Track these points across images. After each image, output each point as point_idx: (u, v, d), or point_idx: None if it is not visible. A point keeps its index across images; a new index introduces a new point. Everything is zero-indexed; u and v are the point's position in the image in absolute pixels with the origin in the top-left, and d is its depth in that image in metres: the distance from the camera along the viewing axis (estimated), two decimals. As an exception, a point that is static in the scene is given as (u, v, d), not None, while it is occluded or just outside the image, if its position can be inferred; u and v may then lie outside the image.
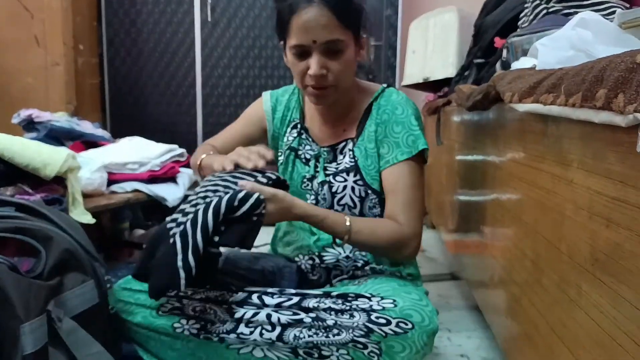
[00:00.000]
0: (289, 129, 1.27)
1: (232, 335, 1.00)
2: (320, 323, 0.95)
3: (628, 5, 1.20)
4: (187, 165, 2.18)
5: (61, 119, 2.04)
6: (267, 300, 1.01)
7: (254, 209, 0.93)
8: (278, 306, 0.99)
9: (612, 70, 0.54)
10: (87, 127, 2.14)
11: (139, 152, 1.99)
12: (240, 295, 1.04)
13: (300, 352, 0.97)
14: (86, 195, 1.62)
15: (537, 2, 1.31)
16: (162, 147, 2.06)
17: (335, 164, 1.20)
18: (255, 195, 0.93)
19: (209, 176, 1.08)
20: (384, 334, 0.91)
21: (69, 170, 1.45)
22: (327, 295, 0.99)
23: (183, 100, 3.24)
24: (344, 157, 1.19)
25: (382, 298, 0.95)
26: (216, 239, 0.92)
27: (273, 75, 3.13)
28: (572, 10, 1.20)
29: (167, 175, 2.00)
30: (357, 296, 0.97)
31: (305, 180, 1.22)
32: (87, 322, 0.94)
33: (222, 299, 1.04)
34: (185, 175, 2.11)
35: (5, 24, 2.80)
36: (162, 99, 3.26)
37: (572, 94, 0.63)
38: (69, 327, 0.90)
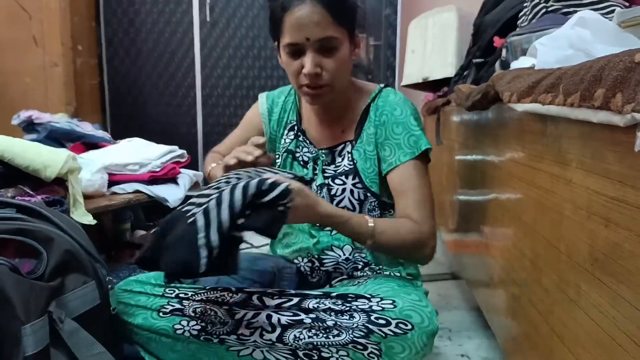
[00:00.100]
0: (285, 131, 1.27)
1: (233, 337, 1.00)
2: (320, 324, 0.95)
3: (627, 4, 1.20)
4: (188, 166, 2.18)
5: (61, 120, 2.04)
6: (267, 301, 1.01)
7: (282, 199, 0.86)
8: (278, 307, 0.99)
9: (610, 70, 0.54)
10: (87, 128, 2.14)
11: (139, 153, 1.99)
12: (241, 296, 1.04)
13: (300, 353, 0.97)
14: (87, 197, 1.62)
15: (536, 1, 1.31)
16: (163, 148, 2.07)
17: (333, 166, 1.19)
18: (285, 184, 0.87)
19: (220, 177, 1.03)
20: (383, 335, 0.90)
21: (70, 172, 1.45)
22: (326, 296, 0.99)
23: (182, 101, 3.24)
24: (343, 159, 1.18)
25: (382, 299, 0.95)
26: (241, 221, 0.85)
27: (272, 76, 3.13)
28: (571, 9, 1.20)
29: (167, 176, 2.00)
30: (357, 297, 0.97)
31: None
32: (88, 323, 0.94)
33: (222, 300, 1.04)
34: (185, 176, 2.11)
35: (3, 24, 2.80)
36: (162, 99, 3.26)
37: (571, 94, 0.63)
38: (71, 328, 0.90)
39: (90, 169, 1.71)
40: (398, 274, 1.17)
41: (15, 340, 0.81)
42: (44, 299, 0.87)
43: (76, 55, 3.01)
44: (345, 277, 1.19)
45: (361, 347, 0.92)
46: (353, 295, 0.97)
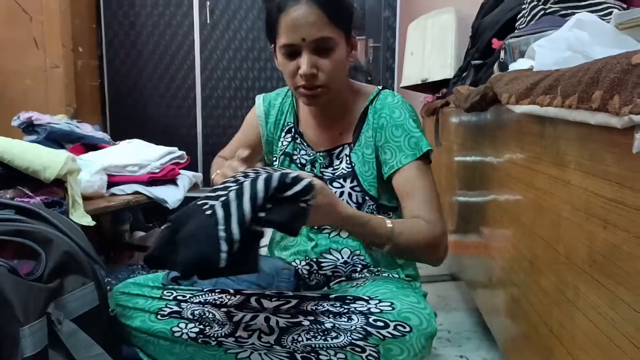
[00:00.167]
0: (283, 134, 1.26)
1: (231, 339, 1.00)
2: (318, 326, 0.95)
3: (625, 6, 1.20)
4: (187, 167, 2.18)
5: (61, 121, 2.04)
6: (266, 303, 1.01)
7: (304, 194, 0.81)
8: (276, 309, 0.99)
9: (607, 72, 0.55)
10: (87, 129, 2.14)
11: (138, 154, 1.99)
12: (239, 298, 1.04)
13: (298, 356, 0.96)
14: (86, 198, 1.62)
15: (535, 3, 1.31)
16: (162, 149, 2.07)
17: (331, 169, 1.18)
18: (307, 180, 0.82)
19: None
20: (381, 337, 0.90)
21: (69, 173, 1.45)
22: (325, 298, 0.99)
23: (183, 103, 3.24)
24: (341, 162, 1.17)
25: (380, 301, 0.94)
26: (262, 215, 0.80)
27: (272, 77, 3.14)
28: (569, 11, 1.20)
29: (167, 177, 2.00)
30: (355, 299, 0.96)
31: None
32: (87, 325, 0.94)
33: (220, 302, 1.04)
34: (185, 177, 2.11)
35: (4, 26, 2.81)
36: (162, 101, 3.26)
37: (569, 96, 0.63)
38: (69, 330, 0.90)
39: (89, 170, 1.71)
40: (396, 276, 1.16)
41: (14, 341, 0.81)
42: (42, 300, 0.87)
43: (77, 56, 3.01)
44: (343, 278, 1.18)
45: (359, 350, 0.92)
46: (351, 298, 0.97)
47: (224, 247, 0.76)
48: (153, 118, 3.26)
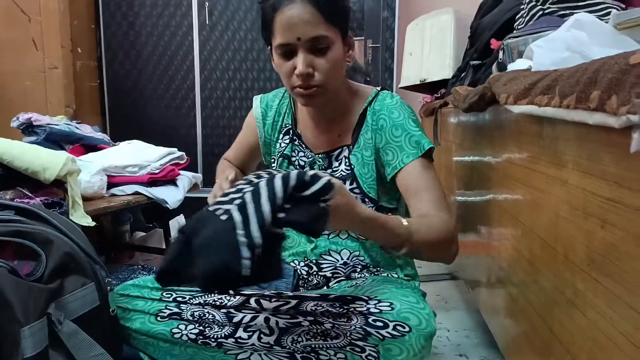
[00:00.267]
0: (281, 135, 1.24)
1: (231, 340, 1.00)
2: (317, 327, 0.95)
3: (624, 6, 1.20)
4: (187, 168, 2.19)
5: (60, 122, 2.04)
6: (265, 304, 1.01)
7: (323, 193, 0.75)
8: (276, 310, 0.99)
9: (605, 72, 0.55)
10: (86, 130, 2.15)
11: (138, 155, 1.99)
12: (238, 299, 1.04)
13: (298, 357, 0.96)
14: (86, 198, 1.62)
15: (533, 3, 1.32)
16: (162, 150, 2.07)
17: (330, 171, 1.17)
18: (326, 178, 0.76)
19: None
20: (381, 337, 0.90)
21: (69, 174, 1.45)
22: (324, 298, 0.98)
23: (182, 103, 3.24)
24: (340, 164, 1.16)
25: (379, 301, 0.94)
26: (281, 215, 0.73)
27: (271, 78, 3.14)
28: (567, 12, 1.20)
29: (167, 178, 2.01)
30: (355, 299, 0.96)
31: None
32: (87, 325, 0.94)
33: (220, 303, 1.04)
34: (185, 178, 2.12)
35: (2, 26, 2.81)
36: (161, 101, 3.26)
37: (567, 96, 0.63)
38: (70, 330, 0.90)
39: (89, 171, 1.71)
40: (395, 276, 1.16)
41: (14, 342, 0.81)
42: (42, 300, 0.87)
43: (76, 57, 3.01)
44: (343, 278, 1.18)
45: (359, 350, 0.92)
46: (350, 298, 0.97)
47: (245, 253, 0.70)
48: (152, 119, 3.26)
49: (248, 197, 0.75)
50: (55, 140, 1.97)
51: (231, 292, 1.05)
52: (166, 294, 1.10)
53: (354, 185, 1.14)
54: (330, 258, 1.17)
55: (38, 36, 2.82)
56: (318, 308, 0.96)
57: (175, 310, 1.06)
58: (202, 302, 1.05)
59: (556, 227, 0.76)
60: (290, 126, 1.23)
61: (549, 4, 1.26)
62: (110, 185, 1.83)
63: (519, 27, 1.40)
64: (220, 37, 3.14)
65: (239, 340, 0.99)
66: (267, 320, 0.98)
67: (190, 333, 1.03)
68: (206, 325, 1.03)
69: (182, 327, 1.04)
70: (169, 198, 1.93)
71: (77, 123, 2.16)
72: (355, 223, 0.85)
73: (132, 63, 3.25)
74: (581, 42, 0.80)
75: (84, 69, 3.14)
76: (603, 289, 0.61)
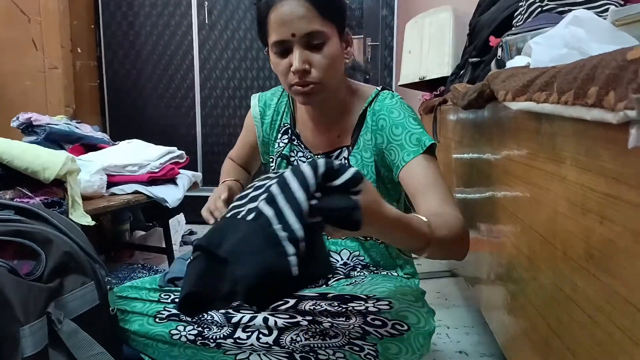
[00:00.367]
0: (279, 135, 1.23)
1: (229, 341, 1.00)
2: (316, 326, 0.94)
3: (622, 3, 1.20)
4: (187, 167, 2.19)
5: (60, 122, 2.05)
6: None
7: (352, 185, 0.66)
8: (274, 309, 0.99)
9: (603, 68, 0.55)
10: (86, 130, 2.15)
11: (138, 154, 2.00)
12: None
13: (297, 356, 0.96)
14: (86, 198, 1.62)
15: (531, 0, 1.32)
16: (161, 149, 2.07)
17: None
18: (355, 169, 0.66)
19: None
20: (379, 336, 0.90)
21: (68, 173, 1.45)
22: (323, 297, 0.98)
23: (182, 103, 3.25)
24: None
25: (378, 300, 0.94)
26: (314, 202, 0.63)
27: (270, 77, 3.14)
28: (566, 8, 1.20)
29: (166, 177, 2.01)
30: (353, 298, 0.95)
31: None
32: (87, 324, 0.95)
33: None
34: (184, 177, 2.12)
35: (2, 27, 2.81)
36: (161, 101, 3.26)
37: (565, 92, 0.63)
38: (70, 329, 0.90)
39: (89, 170, 1.72)
40: (395, 274, 1.16)
41: (14, 341, 0.81)
42: (42, 300, 0.88)
43: (75, 57, 3.01)
44: (342, 277, 1.18)
45: (358, 349, 0.92)
46: (349, 297, 0.96)
47: (290, 249, 0.60)
48: (152, 118, 3.26)
49: (275, 189, 0.64)
50: (55, 139, 1.98)
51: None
52: (164, 295, 1.09)
53: None
54: (330, 258, 1.16)
55: (38, 36, 2.83)
56: (316, 307, 0.96)
57: (174, 311, 1.06)
58: None
59: (555, 224, 0.76)
60: (289, 125, 1.22)
61: (547, 1, 1.26)
62: (110, 184, 1.84)
63: (517, 24, 1.40)
64: (220, 37, 3.14)
65: (237, 340, 0.99)
66: (265, 320, 0.98)
67: (189, 334, 1.03)
68: (205, 326, 1.03)
69: (181, 328, 1.04)
70: (169, 197, 1.93)
71: (76, 123, 2.17)
72: (382, 223, 0.72)
73: (132, 63, 3.25)
74: (579, 38, 0.80)
75: (84, 69, 3.14)
76: (602, 284, 0.61)
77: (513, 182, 1.00)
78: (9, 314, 0.81)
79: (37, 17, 2.80)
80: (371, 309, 0.92)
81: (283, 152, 1.21)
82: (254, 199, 0.67)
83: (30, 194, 1.39)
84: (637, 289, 0.53)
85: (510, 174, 1.02)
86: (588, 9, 1.09)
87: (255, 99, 1.27)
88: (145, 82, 3.26)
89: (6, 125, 2.04)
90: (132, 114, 3.27)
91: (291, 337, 0.96)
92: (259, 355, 0.99)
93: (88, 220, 1.46)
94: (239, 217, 0.66)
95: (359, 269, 1.16)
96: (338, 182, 0.65)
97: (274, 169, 1.22)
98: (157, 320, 1.06)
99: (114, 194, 1.83)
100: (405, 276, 1.16)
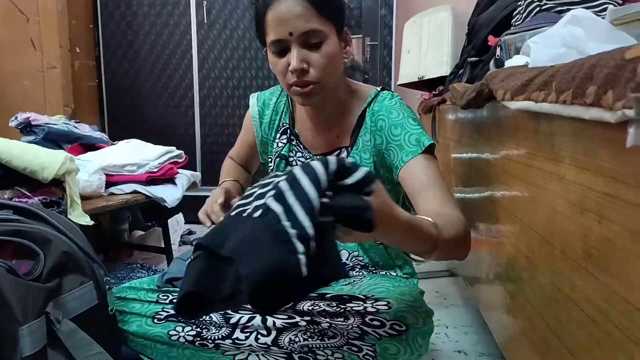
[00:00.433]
0: (278, 135, 1.22)
1: (228, 341, 1.00)
2: (314, 326, 0.94)
3: (621, 2, 1.20)
4: (186, 167, 2.19)
5: (59, 121, 2.04)
6: None
7: (364, 185, 0.62)
8: None
9: (601, 67, 0.55)
10: (85, 129, 2.15)
11: (137, 153, 1.99)
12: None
13: (296, 357, 0.96)
14: (85, 198, 1.62)
15: None
16: (160, 148, 2.07)
17: None
18: (366, 169, 0.63)
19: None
20: (378, 337, 0.89)
21: (67, 173, 1.45)
22: (321, 297, 0.97)
23: (180, 102, 3.24)
24: None
25: (376, 300, 0.93)
26: (325, 200, 0.59)
27: (269, 76, 3.14)
28: (564, 8, 1.20)
29: (165, 177, 2.01)
30: (351, 298, 0.95)
31: None
32: (86, 324, 0.94)
33: None
34: (183, 177, 2.12)
35: (1, 27, 2.81)
36: (160, 100, 3.26)
37: (563, 91, 0.63)
38: (68, 329, 0.90)
39: (87, 170, 1.71)
40: (394, 274, 1.16)
41: (13, 341, 0.81)
42: (41, 300, 0.88)
43: (74, 57, 3.01)
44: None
45: (356, 349, 0.92)
46: (347, 297, 0.96)
47: (299, 246, 0.56)
48: (151, 118, 3.26)
49: (284, 185, 0.60)
50: (53, 139, 1.98)
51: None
52: (162, 295, 1.09)
53: None
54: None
55: (36, 36, 2.82)
56: (315, 307, 0.96)
57: (172, 312, 1.05)
58: None
59: (553, 223, 0.76)
60: (287, 125, 1.21)
61: (546, 0, 1.26)
62: (109, 184, 1.84)
63: (516, 23, 1.40)
64: (218, 36, 3.13)
65: (236, 341, 0.99)
66: (264, 320, 0.98)
67: (188, 335, 1.03)
68: (203, 326, 1.03)
69: (179, 329, 1.04)
70: (168, 197, 1.93)
71: (75, 122, 2.16)
72: (393, 226, 0.70)
73: (131, 62, 3.25)
74: (578, 38, 0.80)
75: (83, 69, 3.14)
76: (600, 284, 0.61)
77: (512, 181, 1.00)
78: (7, 314, 0.81)
79: (36, 16, 2.80)
80: (370, 309, 0.92)
81: (282, 153, 1.20)
82: (261, 196, 0.64)
83: (28, 194, 1.39)
84: (636, 288, 0.53)
85: (509, 174, 1.02)
86: (586, 8, 1.10)
87: (254, 98, 1.26)
88: (144, 81, 3.26)
89: (5, 125, 2.04)
90: (130, 113, 3.27)
91: (290, 338, 0.96)
92: (257, 355, 0.99)
93: (87, 220, 1.45)
94: (244, 215, 0.63)
95: (357, 269, 1.16)
96: (350, 180, 0.62)
97: (272, 169, 1.21)
98: (155, 321, 1.06)
99: (112, 194, 1.83)
100: (404, 276, 1.16)
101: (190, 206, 2.00)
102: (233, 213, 0.66)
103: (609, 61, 0.54)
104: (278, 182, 0.63)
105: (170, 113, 3.26)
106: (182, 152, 2.16)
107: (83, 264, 0.99)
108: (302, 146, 1.19)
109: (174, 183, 2.05)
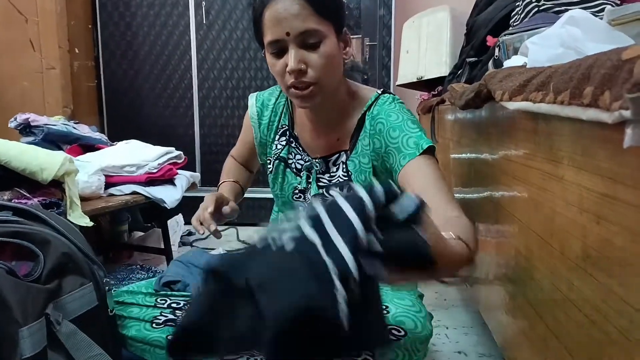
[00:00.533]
0: (277, 136, 1.20)
1: None
2: None
3: (618, 2, 1.20)
4: (185, 167, 2.19)
5: (58, 122, 2.05)
6: None
7: (415, 217, 0.52)
8: None
9: (598, 68, 0.55)
10: (84, 130, 2.15)
11: (136, 154, 2.00)
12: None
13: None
14: (84, 199, 1.62)
15: (528, 0, 1.32)
16: (159, 149, 2.07)
17: (328, 175, 1.13)
18: (417, 197, 0.53)
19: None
20: None
21: (66, 174, 1.45)
22: None
23: (179, 103, 3.24)
24: (337, 169, 1.12)
25: None
26: (372, 234, 0.49)
27: (269, 77, 3.13)
28: (562, 8, 1.21)
29: (164, 178, 2.01)
30: None
31: (296, 191, 1.16)
32: (86, 325, 0.94)
33: None
34: (182, 177, 2.12)
35: None
36: (159, 101, 3.26)
37: (561, 92, 0.63)
38: (68, 330, 0.90)
39: (87, 171, 1.72)
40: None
41: (13, 342, 0.81)
42: (41, 301, 0.87)
43: (73, 58, 3.01)
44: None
45: (355, 354, 0.91)
46: None
47: (337, 284, 0.45)
48: (150, 118, 3.26)
49: (320, 208, 0.51)
50: (53, 140, 1.98)
51: None
52: (160, 300, 1.08)
53: None
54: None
55: (35, 37, 2.82)
56: None
57: (171, 316, 1.05)
58: None
59: (552, 223, 0.76)
60: (287, 127, 1.19)
61: (544, 1, 1.26)
62: (108, 185, 1.84)
63: (514, 24, 1.40)
64: (218, 36, 3.13)
65: None
66: None
67: None
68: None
69: None
70: (167, 198, 1.94)
71: (74, 123, 2.17)
72: (447, 262, 0.61)
73: (130, 63, 3.25)
74: (575, 38, 0.80)
75: (82, 69, 3.13)
76: (598, 284, 0.61)
77: (511, 182, 1.00)
78: (7, 316, 0.81)
79: (35, 17, 2.80)
80: None
81: (281, 155, 1.18)
82: (290, 227, 0.53)
83: (28, 195, 1.39)
84: (634, 289, 0.53)
85: (507, 174, 1.02)
86: (584, 8, 1.10)
87: (252, 99, 1.24)
88: (143, 82, 3.26)
89: (4, 126, 2.05)
90: (130, 114, 3.27)
91: None
92: (256, 359, 0.99)
93: (86, 221, 1.46)
94: (272, 244, 0.52)
95: None
96: (398, 210, 0.51)
97: (271, 171, 1.20)
98: (154, 325, 1.05)
99: (112, 195, 1.83)
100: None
101: (189, 207, 2.00)
102: (257, 243, 0.55)
103: (606, 62, 0.54)
104: (314, 204, 0.53)
105: (169, 114, 3.26)
106: (182, 152, 2.16)
107: (83, 265, 0.99)
108: (301, 148, 1.17)
109: (173, 184, 2.05)
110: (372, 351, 0.57)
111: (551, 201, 0.76)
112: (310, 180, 1.14)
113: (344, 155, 1.12)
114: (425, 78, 2.39)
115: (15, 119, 1.98)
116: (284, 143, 1.19)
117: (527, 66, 0.87)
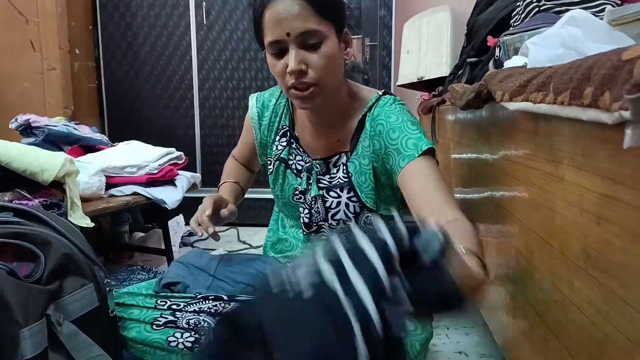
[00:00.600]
0: (277, 137, 1.20)
1: None
2: None
3: (619, 2, 1.20)
4: (186, 168, 2.19)
5: (59, 123, 2.05)
6: None
7: (442, 257, 0.49)
8: None
9: (598, 68, 0.55)
10: (85, 131, 2.15)
11: (137, 155, 2.00)
12: (234, 305, 1.02)
13: None
14: (85, 199, 1.63)
15: (529, 0, 1.32)
16: (160, 150, 2.08)
17: (328, 177, 1.14)
18: (440, 234, 0.50)
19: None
20: None
21: (67, 175, 1.45)
22: None
23: (180, 103, 3.24)
24: (338, 171, 1.12)
25: None
26: (396, 282, 0.47)
27: (269, 78, 3.13)
28: (563, 8, 1.21)
29: (165, 178, 2.01)
30: None
31: (297, 192, 1.17)
32: (87, 326, 0.94)
33: (215, 310, 1.02)
34: (183, 178, 2.12)
35: (0, 28, 2.81)
36: (159, 102, 3.26)
37: (561, 92, 0.63)
38: (69, 331, 0.90)
39: (87, 171, 1.72)
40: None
41: (14, 343, 0.81)
42: (42, 302, 0.88)
43: (73, 58, 3.01)
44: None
45: None
46: None
47: (359, 339, 0.43)
48: (151, 119, 3.26)
49: (340, 249, 0.48)
50: (53, 141, 1.98)
51: (225, 297, 1.03)
52: (160, 301, 1.08)
53: (352, 194, 1.10)
54: None
55: (36, 38, 2.82)
56: None
57: (171, 318, 1.04)
58: (197, 309, 1.04)
59: (552, 224, 0.76)
60: (287, 128, 1.19)
61: (545, 1, 1.26)
62: (109, 186, 1.84)
63: (514, 24, 1.40)
64: (218, 37, 3.13)
65: None
66: None
67: (187, 341, 1.02)
68: (202, 333, 1.02)
69: (178, 335, 1.03)
70: (168, 198, 1.94)
71: (75, 124, 2.17)
72: (475, 291, 0.61)
73: (130, 64, 3.25)
74: (576, 38, 0.80)
75: (82, 70, 3.14)
76: (599, 284, 0.61)
77: (511, 182, 1.00)
78: (8, 316, 0.81)
79: (35, 18, 2.80)
80: None
81: (281, 156, 1.18)
82: (313, 265, 0.49)
83: (29, 196, 1.39)
84: (634, 289, 0.53)
85: (508, 174, 1.02)
86: (585, 9, 1.10)
87: (253, 99, 1.24)
88: (144, 83, 3.26)
89: (4, 127, 2.05)
90: (130, 115, 3.27)
91: None
92: None
93: (87, 222, 1.46)
94: (286, 289, 0.49)
95: None
96: (421, 247, 0.49)
97: (272, 172, 1.20)
98: (154, 327, 1.05)
99: (112, 196, 1.84)
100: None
101: (190, 208, 1.99)
102: (274, 286, 0.50)
103: (606, 62, 0.54)
104: (334, 242, 0.50)
105: (170, 114, 3.26)
106: (182, 153, 2.16)
107: (83, 266, 0.99)
108: (301, 149, 1.17)
109: (174, 184, 2.05)
110: None
111: (551, 201, 0.76)
112: (311, 181, 1.14)
113: (345, 156, 1.12)
114: (425, 78, 2.39)
115: (16, 120, 1.98)
116: (284, 144, 1.19)
117: (527, 66, 0.87)
